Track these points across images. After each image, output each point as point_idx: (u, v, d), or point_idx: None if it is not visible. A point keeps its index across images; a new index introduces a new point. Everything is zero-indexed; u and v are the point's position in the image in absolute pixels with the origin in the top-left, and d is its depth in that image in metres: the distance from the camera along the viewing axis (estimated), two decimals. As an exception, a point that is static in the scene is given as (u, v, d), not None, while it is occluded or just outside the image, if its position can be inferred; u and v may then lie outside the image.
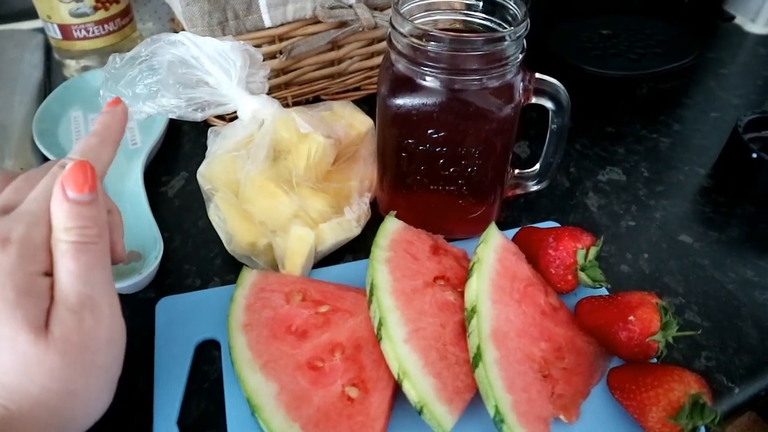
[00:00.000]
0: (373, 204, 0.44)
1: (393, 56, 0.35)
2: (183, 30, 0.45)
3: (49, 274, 0.25)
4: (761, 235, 0.45)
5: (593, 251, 0.36)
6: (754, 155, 0.46)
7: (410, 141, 0.36)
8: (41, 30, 0.63)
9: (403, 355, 0.30)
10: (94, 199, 0.26)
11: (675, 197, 0.48)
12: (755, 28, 0.73)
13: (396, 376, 0.30)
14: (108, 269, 0.27)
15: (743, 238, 0.44)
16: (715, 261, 0.42)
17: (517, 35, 0.33)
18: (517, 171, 0.43)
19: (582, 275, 0.36)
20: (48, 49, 0.64)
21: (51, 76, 0.61)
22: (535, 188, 0.43)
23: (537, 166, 0.42)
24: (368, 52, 0.55)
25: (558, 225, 0.43)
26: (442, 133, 0.35)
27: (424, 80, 0.34)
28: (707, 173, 0.50)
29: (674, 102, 0.60)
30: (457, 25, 0.38)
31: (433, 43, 0.33)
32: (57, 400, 0.24)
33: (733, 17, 0.73)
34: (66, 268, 0.25)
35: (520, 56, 0.34)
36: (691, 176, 0.50)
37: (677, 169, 0.51)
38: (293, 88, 0.54)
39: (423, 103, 0.35)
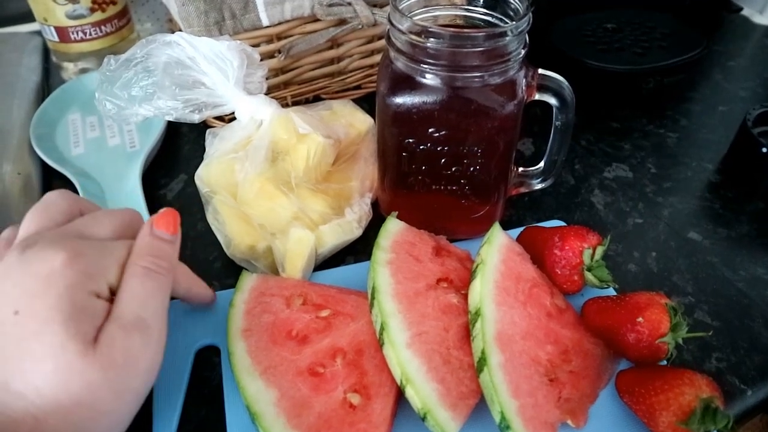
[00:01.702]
0: (375, 205, 0.43)
1: (392, 54, 0.34)
2: (180, 30, 0.44)
3: (105, 299, 0.26)
4: (772, 231, 0.44)
5: (600, 251, 0.35)
6: (764, 150, 0.45)
7: (411, 140, 0.36)
8: (38, 33, 0.62)
9: (406, 360, 0.29)
10: (173, 240, 0.30)
11: (683, 194, 0.47)
12: (763, 19, 0.72)
13: (399, 382, 0.29)
14: (166, 303, 0.29)
15: (753, 235, 0.43)
16: (724, 259, 0.41)
17: (519, 30, 0.32)
18: (520, 169, 0.42)
19: (588, 275, 0.35)
20: (46, 52, 0.63)
21: (49, 80, 0.61)
22: (539, 186, 0.42)
23: (541, 164, 0.41)
24: (368, 49, 0.54)
25: (563, 224, 0.42)
26: (444, 132, 0.35)
27: (424, 78, 0.34)
28: (715, 168, 0.49)
29: (681, 96, 0.59)
30: (459, 21, 0.37)
31: (432, 39, 0.32)
32: (85, 417, 0.24)
33: (740, 9, 0.72)
34: (130, 289, 0.27)
35: (523, 52, 0.33)
36: (699, 172, 0.49)
37: (685, 164, 0.50)
38: (292, 88, 0.53)
39: (423, 102, 0.34)
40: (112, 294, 0.27)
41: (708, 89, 0.60)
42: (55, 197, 0.30)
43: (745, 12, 0.73)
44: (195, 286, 0.34)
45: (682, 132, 0.54)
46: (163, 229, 0.30)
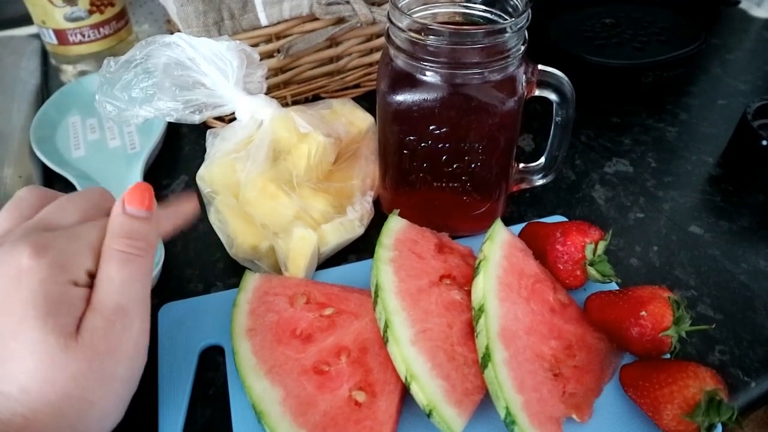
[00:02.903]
0: (377, 203, 0.43)
1: (392, 52, 0.35)
2: (179, 31, 0.44)
3: (84, 285, 0.26)
4: (773, 223, 0.44)
5: (602, 245, 0.35)
6: (764, 142, 0.45)
7: (412, 138, 0.36)
8: (37, 36, 0.62)
9: (411, 357, 0.29)
10: (148, 216, 0.28)
11: (684, 187, 0.47)
12: (761, 12, 0.72)
13: (403, 379, 0.29)
14: (147, 286, 0.28)
15: (755, 227, 0.43)
16: (726, 252, 0.41)
17: (519, 27, 0.32)
18: (521, 165, 0.42)
19: (591, 270, 0.35)
20: (45, 55, 0.63)
21: (48, 82, 0.61)
22: (540, 182, 0.42)
23: (542, 160, 0.41)
24: (367, 48, 0.54)
25: (565, 219, 0.42)
26: (444, 129, 0.35)
27: (424, 75, 0.34)
28: (716, 162, 0.49)
29: (680, 90, 0.59)
30: (458, 18, 0.37)
31: (432, 37, 0.32)
32: (75, 409, 0.24)
33: (738, 2, 0.72)
34: (108, 276, 0.26)
35: (522, 48, 0.33)
36: (699, 166, 0.49)
37: (685, 158, 0.50)
38: (292, 87, 0.53)
39: (423, 99, 0.34)
40: (93, 278, 0.26)
41: (707, 83, 0.60)
42: (23, 193, 0.29)
43: (743, 5, 0.73)
44: (180, 219, 0.32)
45: (682, 126, 0.54)
46: (137, 206, 0.28)
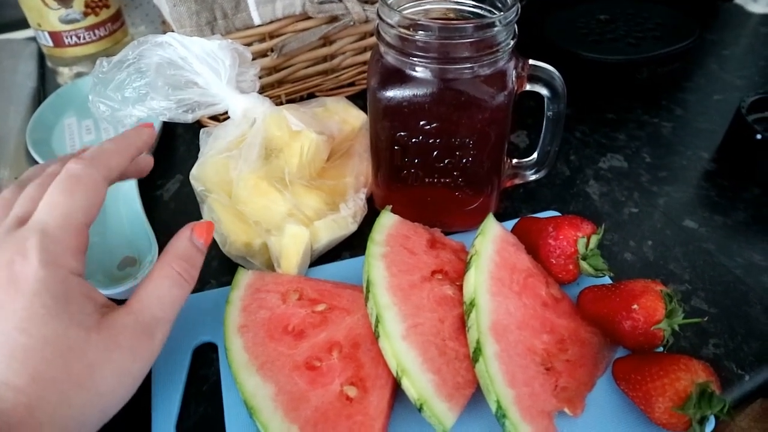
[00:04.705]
0: (370, 200, 0.43)
1: (382, 48, 0.35)
2: (173, 32, 0.44)
3: (80, 274, 0.27)
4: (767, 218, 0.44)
5: (594, 239, 0.35)
6: (759, 136, 0.44)
7: (403, 133, 0.36)
8: (33, 39, 0.62)
9: (402, 351, 0.29)
10: (203, 251, 0.31)
11: (678, 182, 0.47)
12: (757, 7, 0.72)
13: (395, 374, 0.29)
14: (180, 307, 0.30)
15: (749, 222, 0.43)
16: (721, 246, 0.41)
17: (508, 21, 0.32)
18: (514, 161, 0.42)
19: (583, 264, 0.35)
20: (41, 58, 0.63)
21: (45, 85, 0.61)
22: (533, 177, 0.42)
23: (534, 155, 0.41)
24: (361, 46, 0.54)
25: (558, 214, 0.42)
26: (435, 124, 0.35)
27: (414, 71, 0.34)
28: (711, 157, 0.49)
29: (676, 86, 0.58)
30: (451, 15, 0.38)
31: (421, 32, 0.32)
32: (83, 399, 0.25)
33: (733, -3, 0.72)
34: (158, 289, 0.28)
35: (512, 42, 0.33)
36: (694, 160, 0.49)
37: (680, 153, 0.50)
38: (286, 86, 0.53)
39: (414, 94, 0.34)
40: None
41: (703, 78, 0.60)
42: (5, 194, 0.30)
43: (739, 0, 0.73)
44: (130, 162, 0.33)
45: (677, 121, 0.54)
46: (200, 239, 0.31)
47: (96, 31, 0.58)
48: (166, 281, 0.29)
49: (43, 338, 0.24)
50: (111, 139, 0.32)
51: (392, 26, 0.33)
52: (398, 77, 0.34)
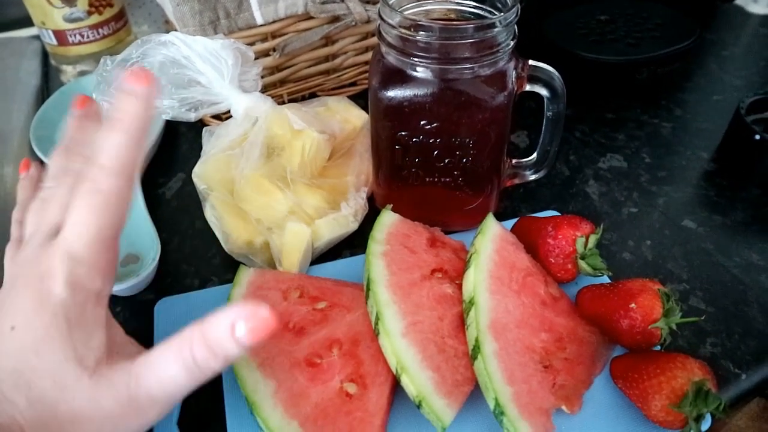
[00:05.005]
0: (371, 199, 0.43)
1: (383, 48, 0.35)
2: (176, 31, 0.45)
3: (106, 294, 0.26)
4: (766, 217, 0.44)
5: (593, 239, 0.35)
6: (758, 137, 0.45)
7: (403, 133, 0.36)
8: (37, 37, 0.63)
9: (401, 349, 0.30)
10: (241, 349, 0.25)
11: (677, 182, 0.47)
12: (757, 8, 0.72)
13: (394, 371, 0.30)
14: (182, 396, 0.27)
15: (748, 221, 0.43)
16: (719, 245, 0.42)
17: (508, 21, 0.32)
18: (514, 161, 0.42)
19: (582, 264, 0.35)
20: (45, 56, 0.64)
21: (49, 83, 0.61)
22: (533, 177, 0.42)
23: (534, 155, 0.41)
24: (362, 46, 0.54)
25: (558, 214, 0.43)
26: (435, 124, 0.35)
27: (415, 71, 0.34)
28: (710, 157, 0.50)
29: (675, 86, 0.59)
30: (453, 16, 0.38)
31: (422, 32, 0.32)
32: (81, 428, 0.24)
33: (734, -2, 0.72)
34: (162, 371, 0.25)
35: (512, 43, 0.34)
36: (693, 161, 0.49)
37: (679, 153, 0.50)
38: (288, 86, 0.53)
39: (414, 94, 0.34)
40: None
41: (703, 79, 0.60)
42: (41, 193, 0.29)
43: (740, 1, 0.73)
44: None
45: (677, 121, 0.54)
46: (246, 336, 0.24)
47: (100, 30, 0.58)
48: (175, 365, 0.24)
49: (50, 365, 0.24)
50: (121, 127, 0.26)
51: (393, 27, 0.33)
52: (399, 77, 0.34)
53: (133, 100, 0.26)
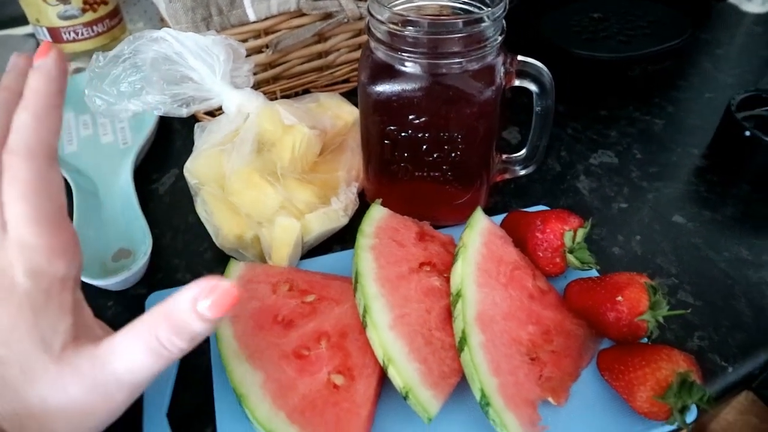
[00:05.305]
0: (361, 194, 0.44)
1: (372, 44, 0.35)
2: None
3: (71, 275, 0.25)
4: (756, 213, 0.44)
5: (581, 233, 0.35)
6: (748, 133, 0.45)
7: (392, 128, 0.36)
8: (33, 35, 0.63)
9: (388, 341, 0.30)
10: (209, 326, 0.24)
11: (668, 178, 0.47)
12: (751, 7, 0.72)
13: (381, 363, 0.30)
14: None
15: (738, 217, 0.44)
16: (708, 241, 0.42)
17: (496, 16, 0.33)
18: (504, 156, 0.42)
19: (570, 257, 0.35)
20: (40, 54, 0.64)
21: (44, 80, 0.61)
22: (522, 173, 0.42)
23: (523, 151, 0.41)
24: (355, 43, 0.54)
25: (548, 209, 0.43)
26: (424, 119, 0.35)
27: (404, 66, 0.34)
28: (701, 153, 0.50)
29: (669, 84, 0.59)
30: (445, 12, 0.38)
31: (411, 27, 0.33)
32: (58, 418, 0.24)
33: (728, -4, 0.72)
34: (127, 352, 0.24)
35: (500, 38, 0.34)
36: (684, 157, 0.50)
37: (671, 150, 0.50)
38: (281, 82, 0.53)
39: (403, 89, 0.34)
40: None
41: (696, 77, 0.60)
42: None
43: (734, 0, 0.73)
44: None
45: (669, 119, 0.54)
46: (210, 310, 0.24)
47: (94, 28, 0.58)
48: (139, 347, 0.24)
49: (17, 354, 0.24)
50: (26, 106, 0.25)
51: (382, 22, 0.33)
52: (388, 72, 0.35)
53: (37, 76, 0.26)
